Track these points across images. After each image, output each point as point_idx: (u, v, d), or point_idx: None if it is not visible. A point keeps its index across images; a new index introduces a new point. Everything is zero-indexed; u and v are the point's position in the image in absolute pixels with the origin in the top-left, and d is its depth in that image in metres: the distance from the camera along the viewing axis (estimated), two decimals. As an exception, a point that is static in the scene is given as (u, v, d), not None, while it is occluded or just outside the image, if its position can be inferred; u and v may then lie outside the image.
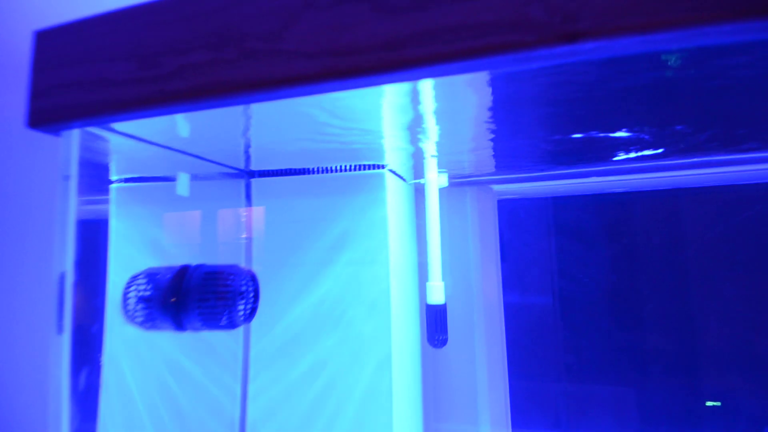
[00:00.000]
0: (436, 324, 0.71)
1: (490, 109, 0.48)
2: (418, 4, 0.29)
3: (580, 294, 1.13)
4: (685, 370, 1.03)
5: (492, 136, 0.62)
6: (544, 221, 1.10)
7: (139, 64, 0.36)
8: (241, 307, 0.54)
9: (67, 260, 0.44)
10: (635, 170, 0.87)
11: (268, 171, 0.69)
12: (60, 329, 0.46)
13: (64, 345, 0.46)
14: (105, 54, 0.38)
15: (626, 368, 1.06)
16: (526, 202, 1.08)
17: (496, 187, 0.87)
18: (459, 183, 0.83)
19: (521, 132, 0.61)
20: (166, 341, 0.67)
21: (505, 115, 0.51)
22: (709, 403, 0.98)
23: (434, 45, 0.28)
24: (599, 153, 0.75)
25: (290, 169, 0.68)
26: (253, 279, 0.56)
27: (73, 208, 0.48)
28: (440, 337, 0.72)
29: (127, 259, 0.64)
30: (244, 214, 0.70)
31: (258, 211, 0.70)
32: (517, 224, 1.10)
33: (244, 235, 0.70)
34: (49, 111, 0.40)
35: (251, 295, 0.55)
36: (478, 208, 0.84)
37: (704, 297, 1.03)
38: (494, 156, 0.72)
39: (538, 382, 1.07)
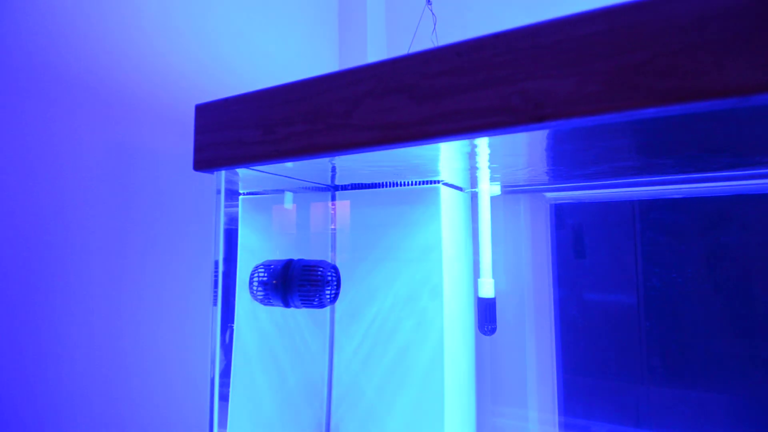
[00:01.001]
0: (485, 315, 0.83)
1: (548, 155, 0.58)
2: (438, 95, 0.42)
3: (667, 295, 1.12)
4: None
5: (547, 168, 0.71)
6: (629, 222, 1.11)
7: (262, 132, 0.55)
8: (328, 292, 0.73)
9: (219, 251, 0.67)
10: (718, 178, 0.87)
11: (348, 185, 0.87)
12: (215, 302, 0.68)
13: (217, 313, 0.69)
14: (241, 123, 0.57)
15: (714, 373, 1.04)
16: (607, 204, 1.10)
17: (549, 195, 0.94)
18: (512, 191, 0.92)
19: (581, 162, 0.69)
20: (277, 314, 0.89)
21: (563, 155, 0.61)
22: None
23: (449, 123, 0.42)
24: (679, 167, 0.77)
25: (365, 184, 0.85)
26: (336, 271, 0.75)
27: (221, 213, 0.70)
28: (489, 327, 0.83)
29: (250, 251, 0.88)
30: (332, 219, 0.89)
31: (341, 217, 0.88)
32: (599, 225, 1.12)
33: (332, 227, 0.89)
34: (206, 161, 0.61)
35: (335, 283, 0.74)
36: (530, 214, 0.93)
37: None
38: (548, 173, 0.81)
39: (616, 381, 1.10)
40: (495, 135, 0.40)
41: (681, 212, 1.07)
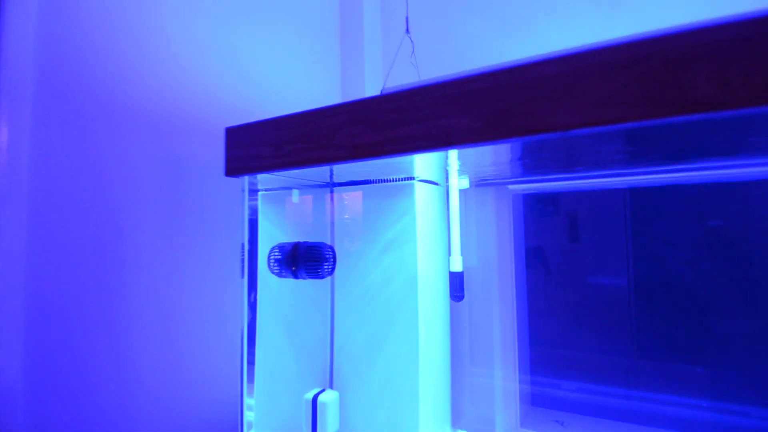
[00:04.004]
0: (455, 285, 1.04)
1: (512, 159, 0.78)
2: (387, 126, 0.63)
3: (653, 277, 1.26)
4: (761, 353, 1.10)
5: (508, 166, 0.91)
6: (621, 210, 1.27)
7: (273, 149, 0.77)
8: (327, 266, 0.95)
9: (245, 236, 0.89)
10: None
11: (343, 183, 1.08)
12: (242, 275, 0.91)
13: (244, 282, 0.92)
14: (258, 143, 0.79)
15: (700, 350, 1.17)
16: (598, 193, 1.26)
17: (511, 187, 1.13)
18: (480, 185, 1.12)
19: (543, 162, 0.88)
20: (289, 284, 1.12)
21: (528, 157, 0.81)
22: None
23: (396, 145, 0.62)
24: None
25: (356, 181, 1.06)
26: (333, 250, 0.97)
27: (246, 207, 0.93)
28: (458, 295, 1.04)
29: (268, 235, 1.10)
30: (330, 209, 1.11)
31: (338, 208, 1.10)
32: (592, 213, 1.29)
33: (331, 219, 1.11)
34: (234, 170, 0.84)
35: (332, 259, 0.96)
36: (495, 203, 1.12)
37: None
38: (512, 169, 1.00)
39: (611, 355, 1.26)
40: (422, 153, 0.61)
41: (667, 200, 1.21)
